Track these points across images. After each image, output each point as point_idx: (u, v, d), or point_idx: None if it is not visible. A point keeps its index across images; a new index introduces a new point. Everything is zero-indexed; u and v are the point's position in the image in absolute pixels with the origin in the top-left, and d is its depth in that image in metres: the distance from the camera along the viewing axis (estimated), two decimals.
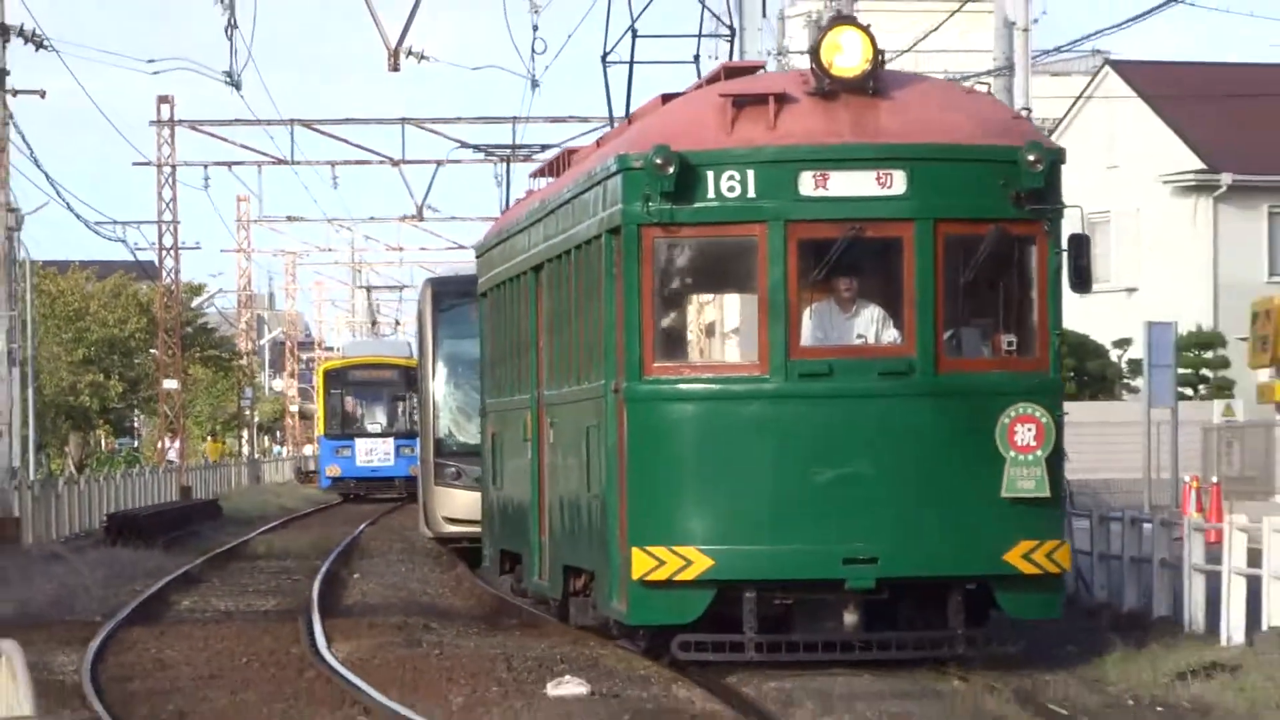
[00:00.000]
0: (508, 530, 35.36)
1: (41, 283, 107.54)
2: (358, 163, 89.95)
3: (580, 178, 26.59)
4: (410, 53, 57.71)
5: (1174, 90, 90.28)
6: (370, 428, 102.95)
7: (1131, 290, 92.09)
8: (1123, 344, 77.41)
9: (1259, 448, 61.83)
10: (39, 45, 61.96)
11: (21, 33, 60.92)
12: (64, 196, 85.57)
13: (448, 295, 55.91)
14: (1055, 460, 22.22)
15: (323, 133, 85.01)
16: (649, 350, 22.23)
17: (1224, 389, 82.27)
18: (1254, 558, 27.82)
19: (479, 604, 42.42)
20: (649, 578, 22.01)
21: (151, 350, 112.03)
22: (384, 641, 31.78)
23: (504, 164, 76.90)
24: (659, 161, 21.54)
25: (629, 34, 31.98)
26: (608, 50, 32.50)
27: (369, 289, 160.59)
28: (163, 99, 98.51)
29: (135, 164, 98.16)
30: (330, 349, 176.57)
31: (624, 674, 25.67)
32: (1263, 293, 74.34)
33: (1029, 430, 21.76)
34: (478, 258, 42.30)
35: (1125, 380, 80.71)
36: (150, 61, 71.72)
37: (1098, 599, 33.26)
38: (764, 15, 54.14)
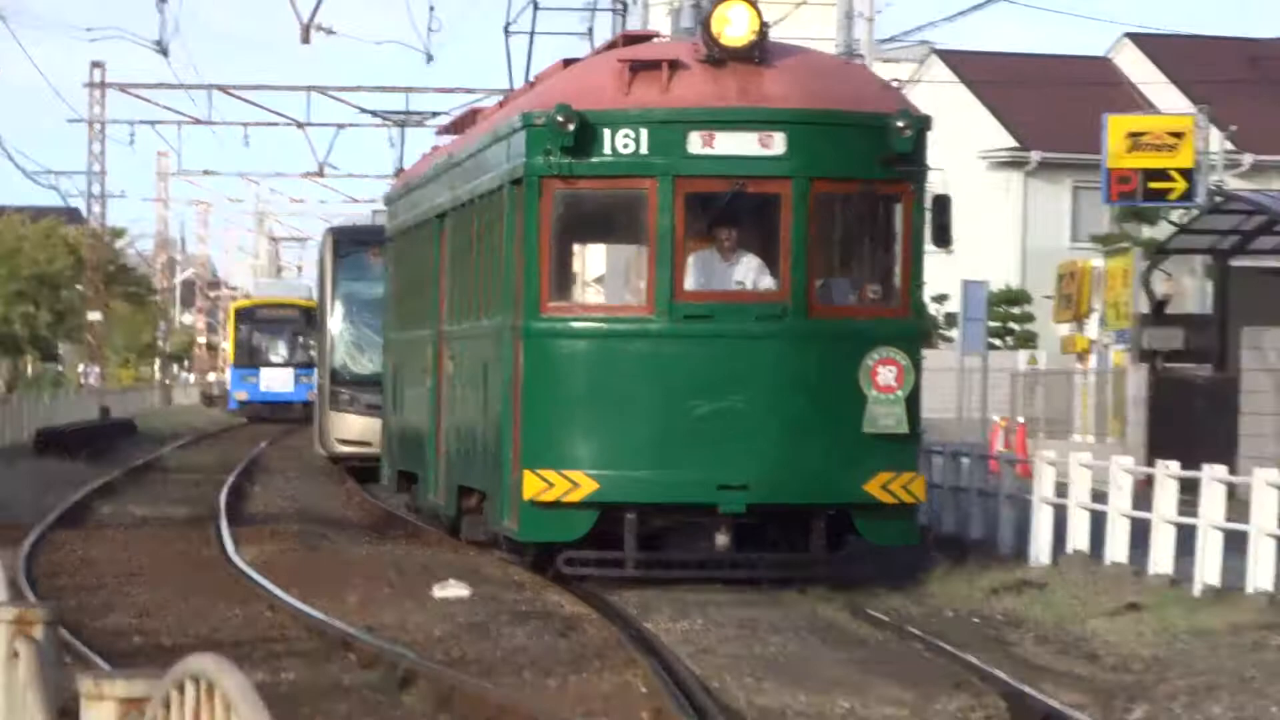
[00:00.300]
0: (406, 452, 34.95)
1: None
2: (267, 124, 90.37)
3: (485, 134, 26.50)
4: (320, 28, 57.98)
5: (992, 77, 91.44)
6: (274, 359, 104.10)
7: (950, 253, 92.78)
8: (940, 299, 78.30)
9: (1060, 392, 62.56)
10: None
11: None
12: (5, 148, 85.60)
13: (345, 243, 56.39)
14: (914, 400, 22.48)
15: (238, 97, 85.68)
16: (545, 291, 22.15)
17: (1028, 341, 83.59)
18: (1060, 490, 28.37)
19: (369, 516, 42.44)
20: (539, 498, 22.06)
21: (78, 286, 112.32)
22: (285, 547, 32.28)
23: (399, 128, 78.18)
24: (560, 119, 21.54)
25: (530, 6, 31.91)
26: (510, 21, 32.45)
27: (274, 239, 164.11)
28: (96, 64, 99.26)
29: (70, 120, 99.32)
30: (235, 289, 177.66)
31: (501, 581, 26.03)
32: (1065, 258, 75.25)
33: (890, 372, 21.90)
34: (386, 205, 42.29)
35: (942, 331, 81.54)
36: (88, 30, 71.90)
37: (920, 524, 33.78)
38: None
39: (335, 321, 54.87)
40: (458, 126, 35.76)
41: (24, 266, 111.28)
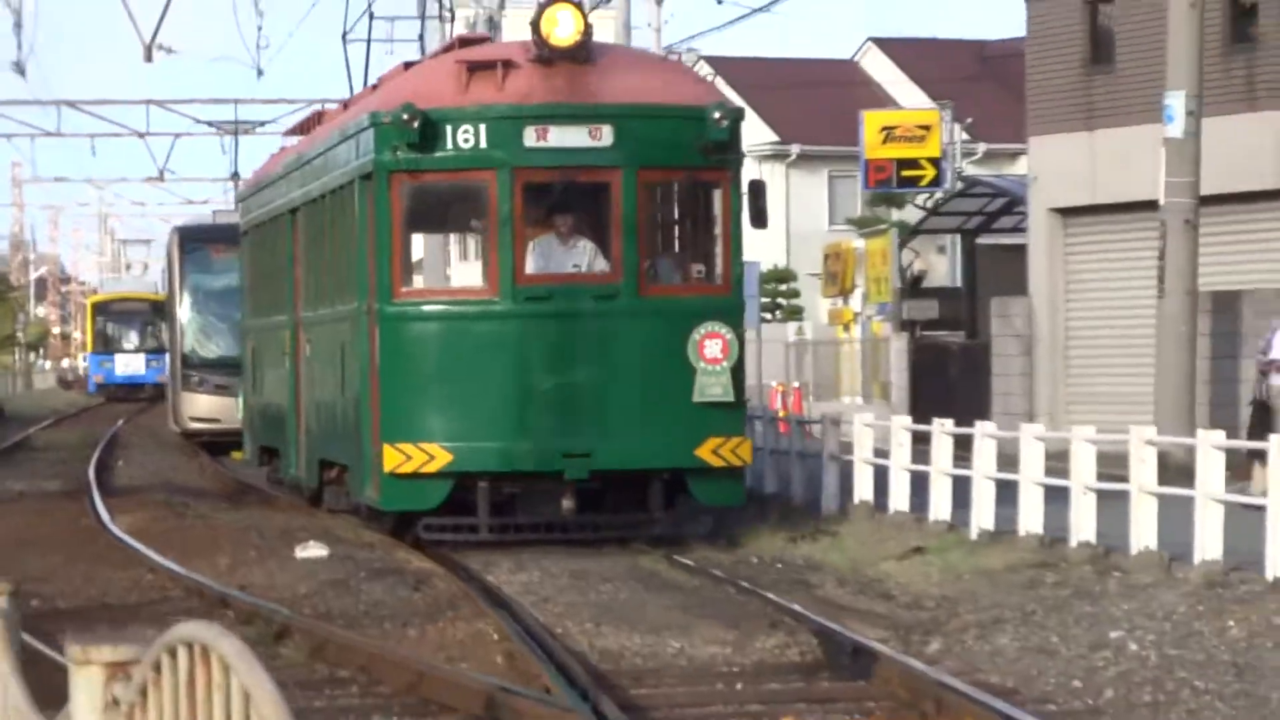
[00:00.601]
0: (267, 429, 34.58)
1: None
2: (111, 135, 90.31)
3: (333, 133, 26.50)
4: (161, 47, 57.90)
5: (755, 80, 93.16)
6: (126, 346, 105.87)
7: (766, 230, 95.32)
8: None
9: (828, 359, 63.88)
10: None
11: None
12: None
13: (190, 240, 56.39)
14: (738, 371, 22.74)
15: (85, 111, 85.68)
16: (397, 277, 22.30)
17: (795, 314, 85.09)
18: (844, 449, 28.85)
19: (225, 486, 42.36)
20: (398, 470, 22.04)
21: None
22: (155, 515, 31.80)
23: (231, 136, 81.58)
24: (405, 117, 21.62)
25: (367, 16, 32.78)
26: (347, 29, 33.15)
27: (118, 240, 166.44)
28: None
29: None
30: (84, 284, 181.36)
31: (354, 542, 26.03)
32: (826, 240, 77.18)
33: (716, 345, 22.06)
34: (239, 203, 42.65)
35: None
36: None
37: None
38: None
39: (184, 311, 55.14)
40: (304, 128, 35.57)
41: None
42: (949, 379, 41.70)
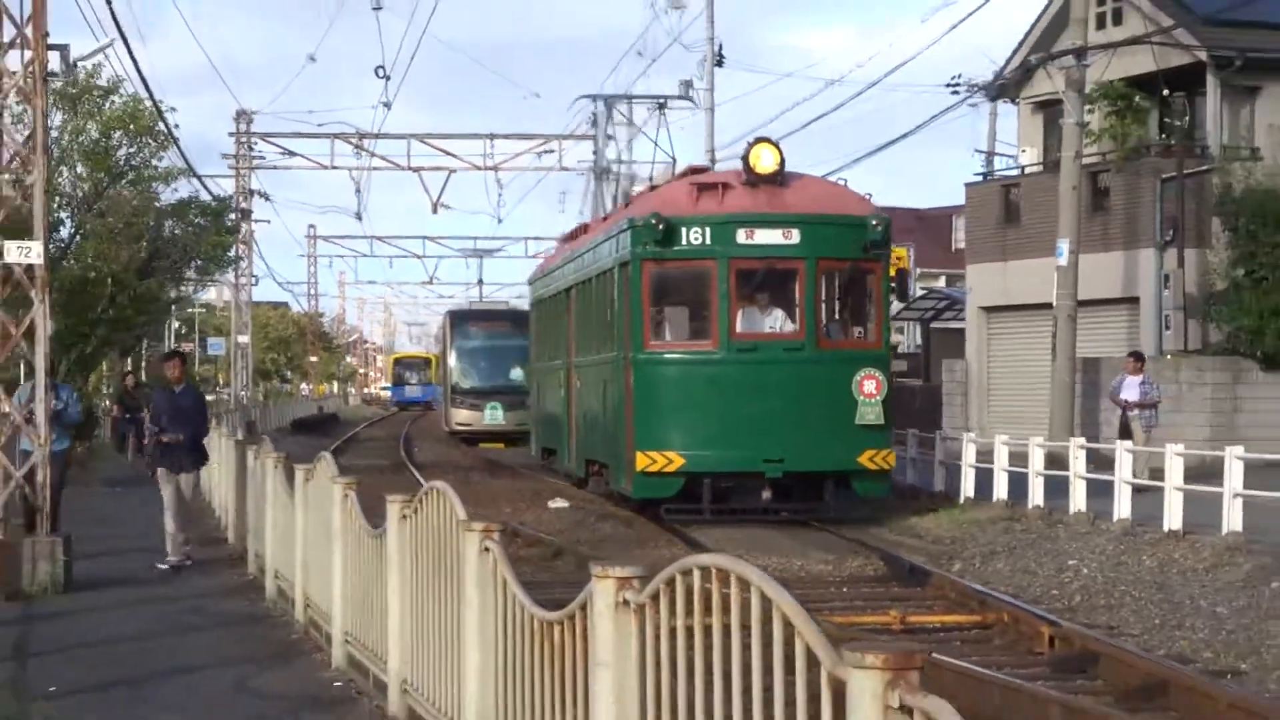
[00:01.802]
0: (547, 436, 37.41)
1: None
2: (400, 256, 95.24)
3: (598, 235, 29.20)
4: (443, 205, 62.80)
5: None
6: (411, 380, 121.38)
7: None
8: None
9: None
10: None
11: None
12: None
13: (457, 317, 64.78)
14: (887, 403, 24.30)
15: (387, 241, 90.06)
16: (647, 333, 24.36)
17: None
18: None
19: (484, 465, 44.83)
20: (647, 470, 23.95)
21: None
22: (451, 479, 33.88)
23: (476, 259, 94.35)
24: (654, 221, 23.71)
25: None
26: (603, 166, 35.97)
27: (403, 322, 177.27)
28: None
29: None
30: (373, 343, 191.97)
31: (587, 500, 29.21)
32: None
33: (872, 384, 23.91)
34: (529, 284, 45.99)
35: None
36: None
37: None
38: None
39: (452, 359, 62.16)
40: (572, 236, 38.73)
41: (272, 333, 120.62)
42: (914, 409, 45.38)
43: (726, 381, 23.90)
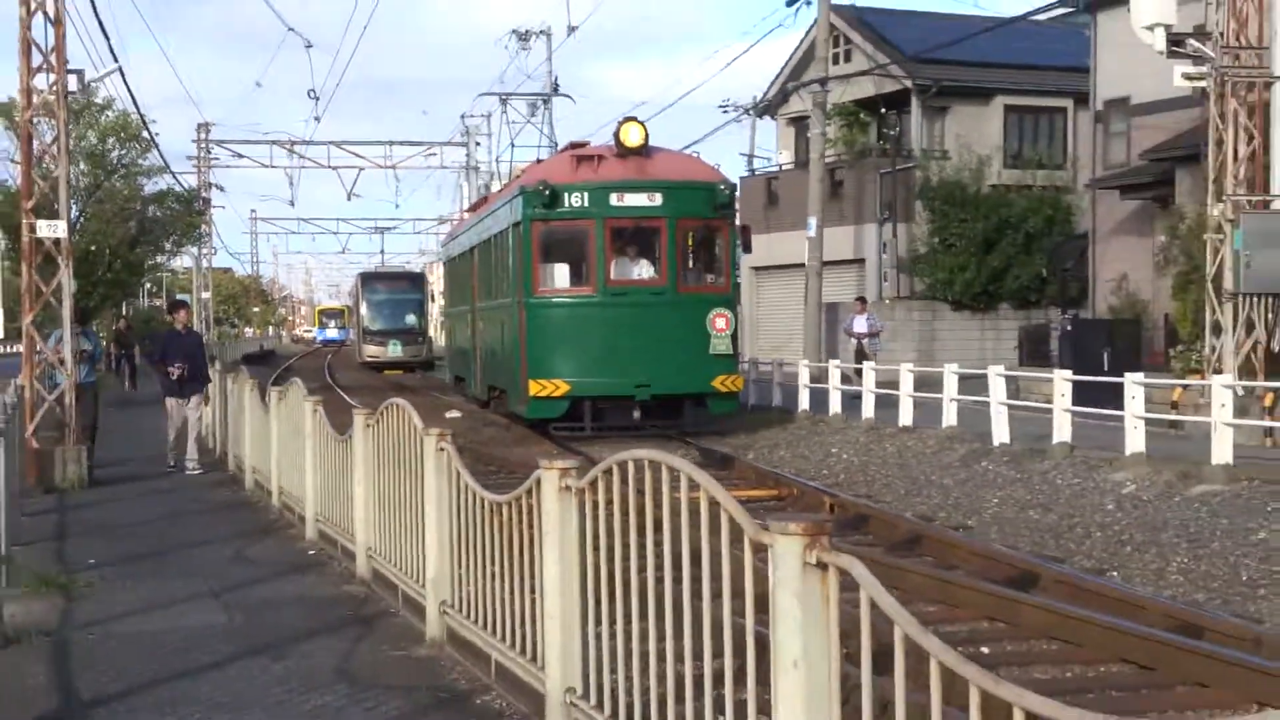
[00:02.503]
0: (456, 367, 35.47)
1: None
2: (321, 232, 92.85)
3: (498, 202, 27.13)
4: (355, 195, 61.69)
5: None
6: (331, 325, 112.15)
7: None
8: None
9: None
10: None
11: None
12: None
13: (366, 277, 63.51)
14: (735, 336, 22.80)
15: (312, 222, 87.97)
16: (536, 281, 22.43)
17: None
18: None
19: (390, 385, 42.99)
20: (538, 394, 22.00)
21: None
22: (370, 397, 28.30)
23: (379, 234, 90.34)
24: (541, 188, 21.95)
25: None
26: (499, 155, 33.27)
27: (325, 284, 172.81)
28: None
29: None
30: (295, 297, 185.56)
31: (481, 416, 27.55)
32: None
33: (722, 321, 22.20)
34: (442, 247, 45.16)
35: None
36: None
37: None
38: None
39: (363, 309, 60.17)
40: (474, 206, 36.12)
41: (224, 290, 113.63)
42: None
43: (602, 320, 22.19)
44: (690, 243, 23.10)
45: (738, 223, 24.26)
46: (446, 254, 40.58)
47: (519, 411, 23.77)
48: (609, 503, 5.73)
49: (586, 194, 22.06)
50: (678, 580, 5.16)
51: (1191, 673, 7.80)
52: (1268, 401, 17.68)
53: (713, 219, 22.82)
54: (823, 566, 3.96)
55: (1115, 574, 11.10)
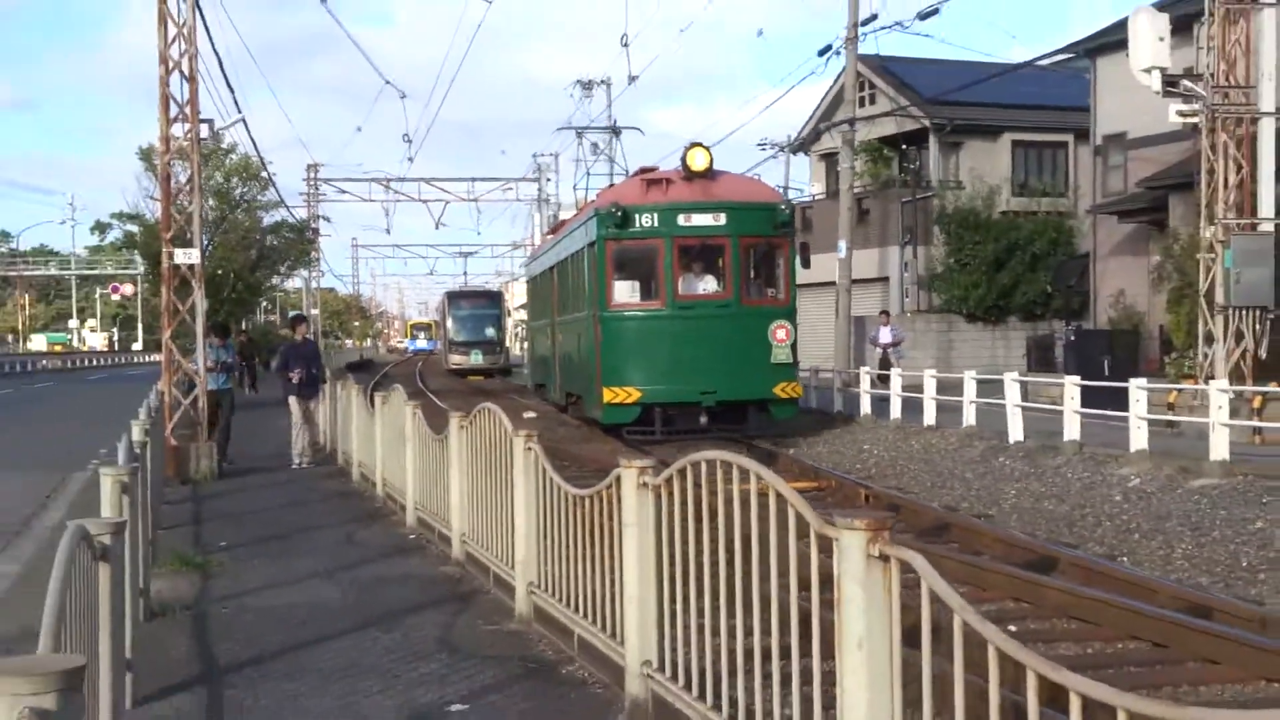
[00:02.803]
0: (537, 375, 32.82)
1: None
2: (411, 256, 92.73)
3: (575, 224, 25.32)
4: (442, 224, 61.63)
5: None
6: (420, 338, 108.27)
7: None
8: None
9: None
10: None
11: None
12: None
13: (451, 295, 62.40)
14: (794, 346, 21.01)
15: (407, 249, 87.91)
16: (610, 296, 20.82)
17: None
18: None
19: (476, 392, 39.24)
20: (612, 401, 20.48)
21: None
22: (456, 403, 29.43)
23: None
24: (614, 209, 20.44)
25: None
26: (576, 183, 31.95)
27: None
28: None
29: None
30: (391, 313, 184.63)
31: (556, 417, 26.50)
32: None
33: (783, 332, 20.60)
34: (525, 268, 43.36)
35: None
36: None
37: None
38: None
39: (449, 324, 59.74)
40: (553, 230, 34.16)
41: (329, 307, 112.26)
42: None
43: (671, 332, 20.53)
44: (752, 259, 21.65)
45: (797, 240, 23.21)
46: (528, 273, 38.73)
47: (594, 416, 22.33)
48: (683, 498, 5.57)
49: (656, 214, 20.65)
50: (745, 567, 5.04)
51: (1201, 650, 7.57)
52: (1257, 404, 17.31)
53: (773, 236, 21.25)
54: (884, 559, 3.86)
55: (1125, 559, 10.82)
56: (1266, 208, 19.98)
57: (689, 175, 20.88)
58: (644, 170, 23.06)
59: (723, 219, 20.68)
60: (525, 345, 39.71)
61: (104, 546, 4.88)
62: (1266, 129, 19.85)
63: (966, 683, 3.64)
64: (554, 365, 27.80)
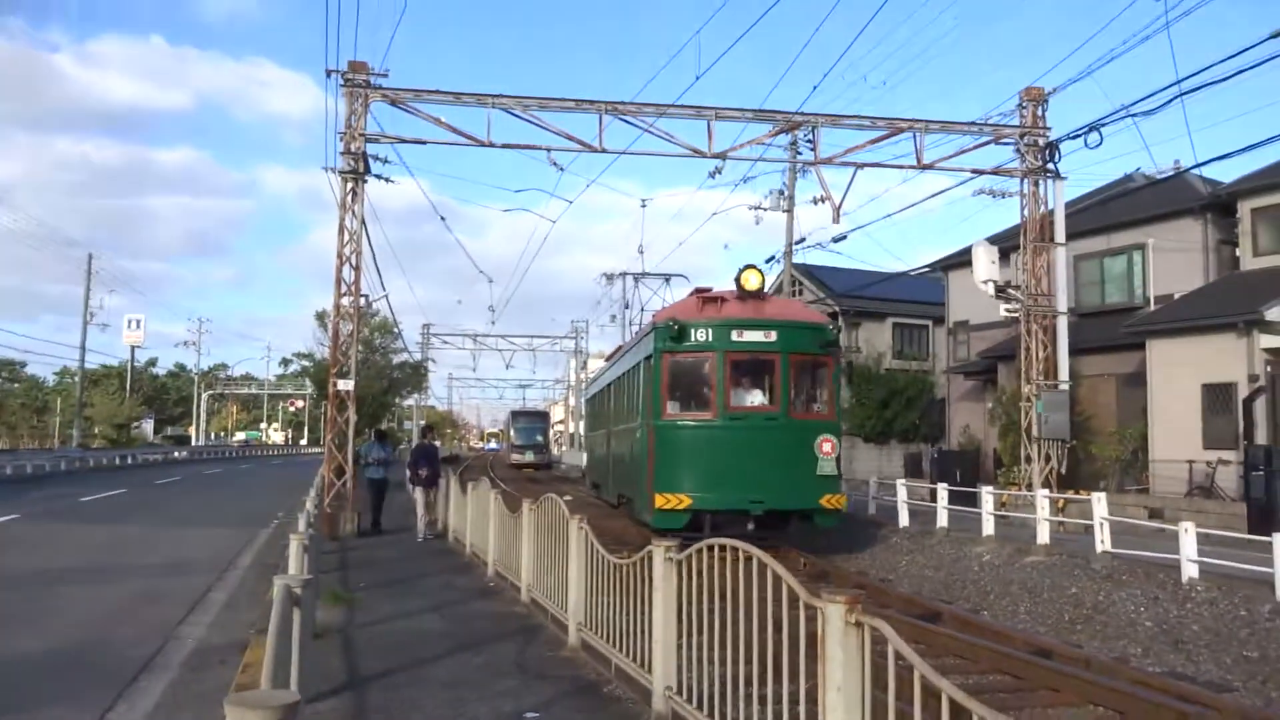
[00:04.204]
0: (594, 475, 25.71)
1: None
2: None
3: (631, 341, 19.45)
4: (510, 365, 61.25)
5: None
6: (491, 441, 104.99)
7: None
8: None
9: None
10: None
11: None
12: None
13: (515, 413, 61.33)
14: (839, 459, 15.26)
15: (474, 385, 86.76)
16: (665, 406, 15.17)
17: None
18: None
19: (529, 478, 38.89)
20: (663, 507, 14.86)
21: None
22: (518, 488, 27.24)
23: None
24: (672, 324, 15.12)
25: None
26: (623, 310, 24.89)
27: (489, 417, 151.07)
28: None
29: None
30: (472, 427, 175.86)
31: (587, 498, 23.81)
32: None
33: (828, 445, 15.01)
34: (584, 388, 33.10)
35: None
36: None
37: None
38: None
39: (512, 431, 58.22)
40: (609, 356, 26.22)
41: (430, 419, 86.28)
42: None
43: (722, 442, 15.24)
44: (800, 375, 16.18)
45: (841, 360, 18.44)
46: (587, 395, 30.38)
47: (644, 520, 16.42)
48: (699, 571, 5.36)
49: (711, 330, 15.42)
50: (748, 625, 4.77)
51: (1047, 682, 7.19)
52: (1061, 505, 16.94)
53: (820, 354, 15.77)
54: (859, 625, 3.65)
55: (986, 613, 10.40)
56: (1063, 373, 20.03)
57: (742, 295, 15.91)
58: (699, 290, 17.56)
59: (774, 336, 15.55)
60: (585, 453, 30.77)
61: (298, 596, 4.61)
62: (1061, 323, 20.05)
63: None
64: (608, 469, 22.18)
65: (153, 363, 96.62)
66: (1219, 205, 22.01)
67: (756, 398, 15.84)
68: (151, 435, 78.06)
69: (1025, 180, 19.81)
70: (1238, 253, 21.55)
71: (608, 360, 23.58)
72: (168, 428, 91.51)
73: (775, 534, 15.37)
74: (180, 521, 18.63)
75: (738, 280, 15.99)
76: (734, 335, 15.49)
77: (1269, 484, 15.53)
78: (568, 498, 24.37)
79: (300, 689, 5.41)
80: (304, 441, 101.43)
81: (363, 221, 17.41)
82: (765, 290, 15.93)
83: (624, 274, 52.21)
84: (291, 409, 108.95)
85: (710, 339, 15.49)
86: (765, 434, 15.28)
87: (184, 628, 8.71)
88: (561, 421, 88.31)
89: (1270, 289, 19.03)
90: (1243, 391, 18.63)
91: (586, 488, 27.06)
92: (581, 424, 49.22)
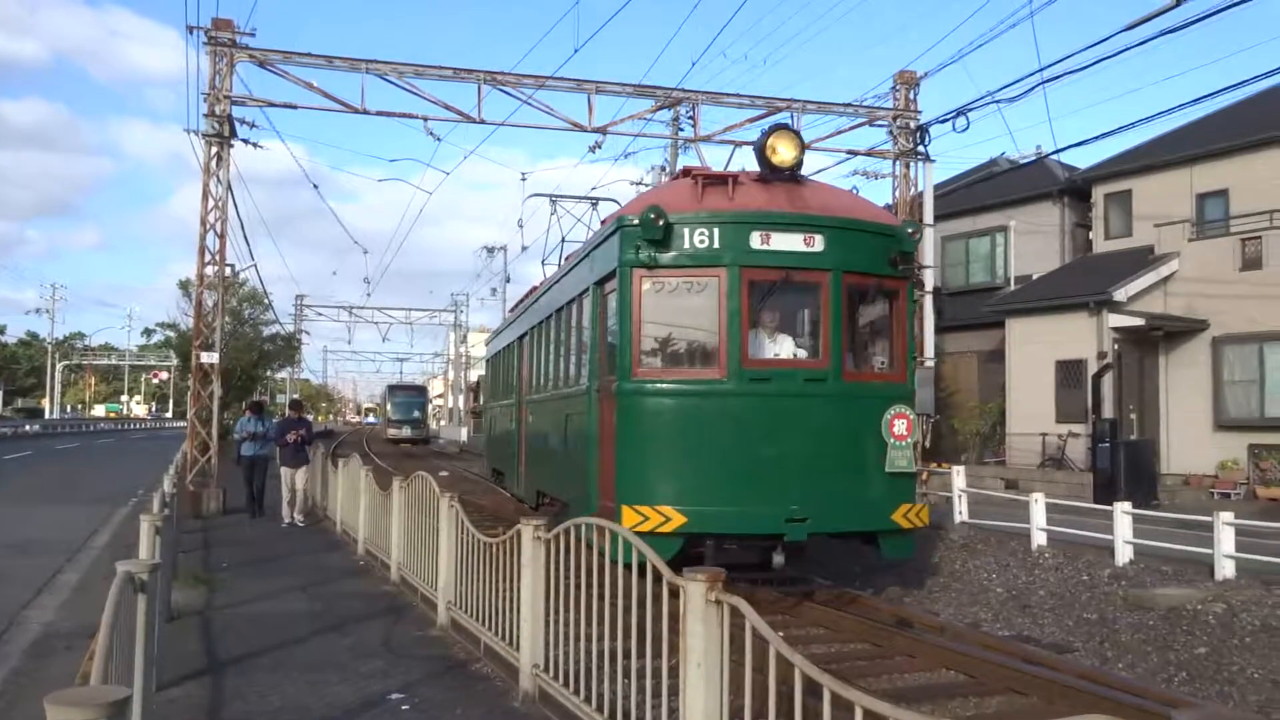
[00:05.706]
0: (495, 459, 18.95)
1: None
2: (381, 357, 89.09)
3: (565, 267, 11.49)
4: (387, 339, 59.79)
5: None
6: (369, 415, 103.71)
7: None
8: None
9: None
10: None
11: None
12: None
13: (391, 387, 59.20)
14: (916, 446, 9.51)
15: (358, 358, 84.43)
16: (636, 358, 8.70)
17: None
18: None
19: (406, 453, 38.10)
20: (636, 529, 7.84)
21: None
22: (393, 464, 27.03)
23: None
24: (652, 217, 8.24)
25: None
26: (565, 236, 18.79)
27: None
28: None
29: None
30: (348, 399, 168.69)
31: (462, 473, 22.17)
32: None
33: (903, 424, 8.76)
34: (485, 347, 25.59)
35: None
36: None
37: None
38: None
39: (388, 406, 56.48)
40: (525, 297, 16.60)
41: (303, 392, 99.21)
42: None
43: (738, 419, 8.24)
44: (861, 309, 9.16)
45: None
46: (488, 356, 22.09)
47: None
48: (567, 549, 5.20)
49: (717, 230, 8.40)
50: (614, 603, 4.76)
51: (904, 649, 7.42)
52: (925, 477, 17.64)
53: (889, 277, 8.87)
54: (718, 603, 3.69)
55: (855, 585, 10.66)
56: (929, 350, 20.52)
57: (768, 174, 8.78)
58: (688, 170, 9.66)
59: (818, 243, 8.56)
60: (484, 430, 24.50)
61: (143, 581, 4.31)
62: (928, 301, 20.35)
63: (779, 692, 3.43)
64: (520, 454, 14.61)
65: (1, 330, 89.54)
66: (1075, 190, 22.54)
67: (790, 346, 9.01)
68: (0, 408, 73.19)
69: (897, 162, 19.89)
70: (1091, 236, 22.12)
71: (522, 301, 16.57)
72: (18, 400, 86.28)
73: (823, 575, 10.12)
74: (30, 499, 17.47)
75: (761, 149, 8.81)
76: (755, 240, 8.63)
77: (1113, 455, 15.91)
78: (443, 473, 23.78)
79: (150, 677, 5.10)
80: (169, 415, 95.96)
81: (228, 187, 16.52)
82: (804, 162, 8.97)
83: (504, 248, 51.86)
84: (155, 381, 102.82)
85: (716, 244, 8.55)
86: (806, 405, 8.66)
87: (30, 611, 8.16)
88: (440, 395, 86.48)
89: (1119, 270, 19.60)
90: (1092, 368, 19.07)
91: (488, 472, 21.14)
92: (475, 394, 46.23)
